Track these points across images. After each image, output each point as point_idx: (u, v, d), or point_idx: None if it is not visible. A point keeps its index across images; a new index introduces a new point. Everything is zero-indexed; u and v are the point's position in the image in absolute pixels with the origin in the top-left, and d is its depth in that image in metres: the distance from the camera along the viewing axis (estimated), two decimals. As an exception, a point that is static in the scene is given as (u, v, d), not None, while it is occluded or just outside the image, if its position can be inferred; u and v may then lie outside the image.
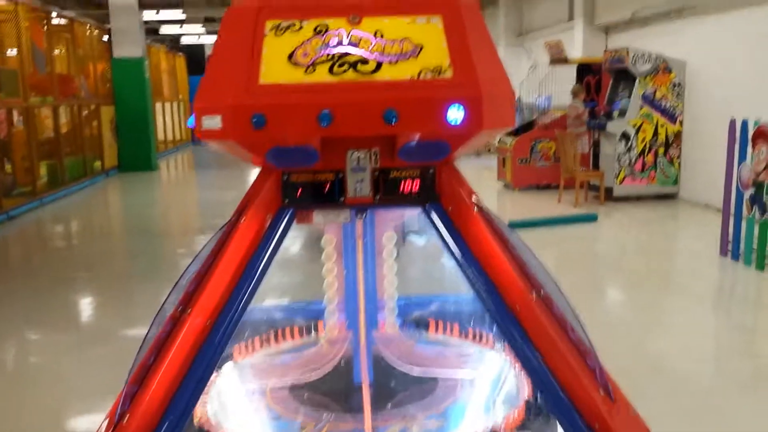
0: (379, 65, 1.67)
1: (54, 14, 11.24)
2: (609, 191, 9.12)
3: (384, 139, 1.69)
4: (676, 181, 9.22)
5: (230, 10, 1.75)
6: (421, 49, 1.61)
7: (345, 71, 1.60)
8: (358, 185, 1.80)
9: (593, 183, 9.28)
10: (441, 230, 1.74)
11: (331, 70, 1.61)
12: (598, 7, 12.26)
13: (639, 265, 6.47)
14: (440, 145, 1.68)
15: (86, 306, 5.43)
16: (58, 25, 11.82)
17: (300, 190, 1.77)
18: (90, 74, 13.09)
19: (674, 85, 9.02)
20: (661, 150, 9.09)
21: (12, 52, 9.71)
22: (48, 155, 10.62)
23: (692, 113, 9.06)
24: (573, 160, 8.71)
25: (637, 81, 8.99)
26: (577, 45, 12.54)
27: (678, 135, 9.15)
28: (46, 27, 10.85)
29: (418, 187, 1.79)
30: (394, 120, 1.53)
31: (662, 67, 8.98)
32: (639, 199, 9.23)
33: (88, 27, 12.96)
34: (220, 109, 1.55)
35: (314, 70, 1.60)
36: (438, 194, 1.78)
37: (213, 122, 1.59)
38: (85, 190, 11.45)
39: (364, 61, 1.67)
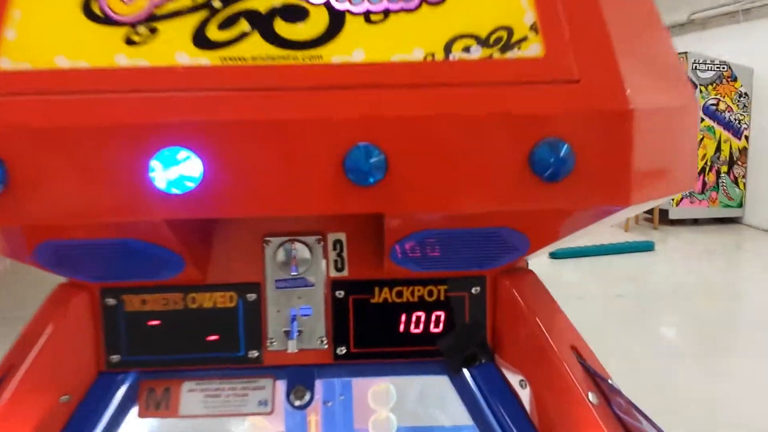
0: (336, 23, 0.72)
1: None
2: (664, 213, 8.07)
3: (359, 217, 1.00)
4: (740, 204, 8.12)
5: None
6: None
7: (243, 37, 0.78)
8: (295, 323, 1.06)
9: (645, 204, 8.23)
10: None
11: (200, 35, 0.77)
12: (649, 9, 11.19)
13: (705, 309, 5.41)
14: (505, 235, 0.97)
15: None
16: None
17: (148, 334, 1.06)
18: None
19: (740, 96, 8.00)
20: (724, 168, 8.03)
21: None
22: None
23: (760, 127, 7.99)
24: (623, 178, 7.70)
25: (697, 90, 7.93)
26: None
27: (743, 152, 8.09)
28: None
29: (443, 327, 1.07)
30: (376, 177, 0.80)
31: (726, 75, 7.95)
32: (696, 222, 8.17)
33: None
34: None
35: (153, 36, 0.76)
36: (492, 346, 1.08)
37: None
38: None
39: (298, 12, 0.72)
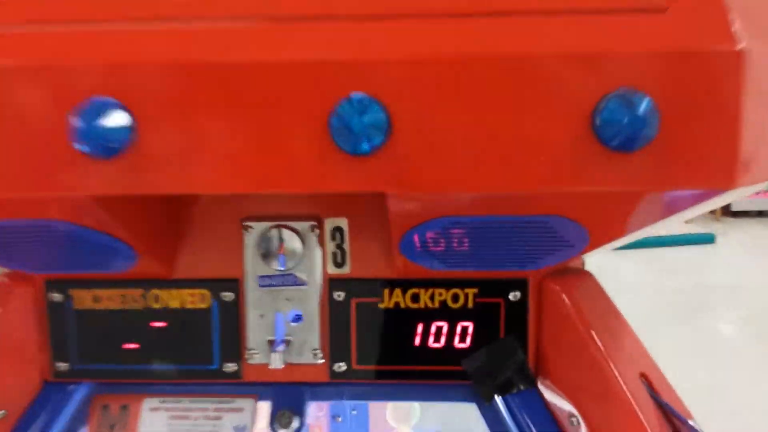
0: None
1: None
2: (726, 204, 7.60)
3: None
4: (812, 196, 7.59)
5: None
6: None
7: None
8: (281, 331, 0.84)
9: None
10: None
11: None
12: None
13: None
14: (555, 226, 0.72)
15: None
16: None
17: (102, 338, 0.86)
18: None
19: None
20: (795, 157, 7.48)
21: None
22: None
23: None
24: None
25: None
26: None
27: (817, 139, 7.52)
28: None
29: (470, 342, 0.84)
30: (373, 141, 0.58)
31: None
32: (761, 214, 7.68)
33: None
34: None
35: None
36: (535, 369, 0.84)
37: None
38: None
39: None
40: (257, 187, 0.59)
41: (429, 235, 0.74)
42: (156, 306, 0.86)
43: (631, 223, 0.71)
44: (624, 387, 0.76)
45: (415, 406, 1.17)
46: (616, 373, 0.77)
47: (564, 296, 0.81)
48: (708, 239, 6.43)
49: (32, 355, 0.87)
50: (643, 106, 0.53)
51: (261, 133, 0.57)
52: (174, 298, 0.85)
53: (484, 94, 0.56)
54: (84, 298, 0.86)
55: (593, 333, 0.79)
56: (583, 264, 0.89)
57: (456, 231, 0.74)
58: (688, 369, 3.50)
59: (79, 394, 0.88)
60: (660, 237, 6.16)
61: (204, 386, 0.88)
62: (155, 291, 0.85)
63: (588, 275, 0.86)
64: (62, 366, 0.87)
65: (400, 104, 0.57)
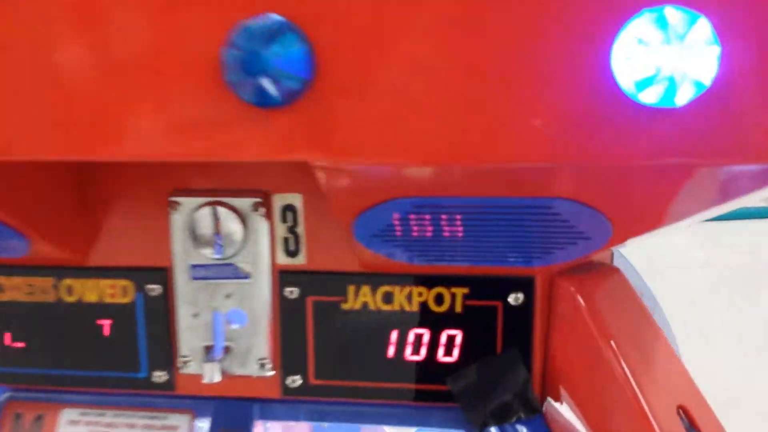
0: None
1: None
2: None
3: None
4: None
5: None
6: None
7: None
8: (220, 335, 0.67)
9: None
10: None
11: None
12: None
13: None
14: (566, 214, 0.53)
15: None
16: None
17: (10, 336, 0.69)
18: None
19: None
20: None
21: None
22: None
23: None
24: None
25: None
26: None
27: None
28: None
29: (458, 355, 0.66)
30: (288, 87, 0.40)
31: None
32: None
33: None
34: None
35: None
36: (541, 392, 0.65)
37: None
38: None
39: None
40: (121, 153, 0.41)
41: (394, 217, 0.56)
42: (70, 299, 0.69)
43: (670, 211, 0.51)
44: (654, 424, 0.57)
45: None
46: (645, 406, 0.58)
47: (580, 300, 0.62)
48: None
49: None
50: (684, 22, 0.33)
51: (113, 74, 0.39)
52: (90, 291, 0.69)
53: (456, 16, 0.37)
54: None
55: (617, 350, 0.59)
56: (611, 257, 0.69)
57: (428, 215, 0.55)
58: (743, 355, 3.26)
59: None
60: (739, 210, 5.78)
61: (131, 397, 0.71)
62: (68, 281, 0.69)
63: (615, 273, 0.66)
64: None
65: (326, 31, 0.38)
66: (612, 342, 0.59)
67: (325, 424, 0.98)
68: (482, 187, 0.51)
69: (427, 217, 0.55)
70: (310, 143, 0.42)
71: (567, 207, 0.51)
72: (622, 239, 0.55)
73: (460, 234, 0.58)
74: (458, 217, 0.56)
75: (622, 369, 0.59)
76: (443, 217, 0.55)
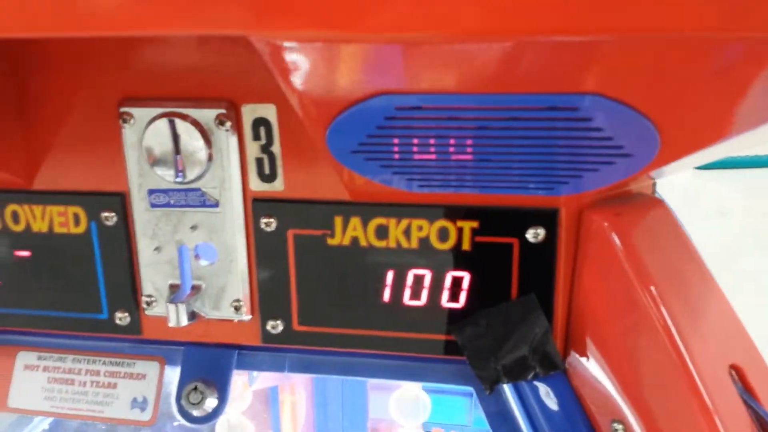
0: None
1: None
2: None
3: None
4: None
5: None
6: None
7: None
8: (186, 272, 0.57)
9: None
10: None
11: None
12: None
13: None
14: (604, 119, 0.40)
15: None
16: None
17: None
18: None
19: None
20: None
21: None
22: None
23: None
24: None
25: None
26: None
27: None
28: None
29: (465, 301, 0.54)
30: None
31: None
32: None
33: None
34: None
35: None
36: (563, 346, 0.53)
37: None
38: None
39: None
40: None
41: (370, 126, 0.44)
42: (16, 228, 0.60)
43: (732, 120, 0.38)
44: (700, 386, 0.46)
45: (425, 399, 0.90)
46: (690, 364, 0.47)
47: (615, 237, 0.50)
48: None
49: None
50: None
51: None
52: (38, 219, 0.59)
53: None
54: None
55: (658, 298, 0.48)
56: (652, 187, 0.57)
57: (423, 121, 0.43)
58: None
59: None
60: (759, 157, 5.54)
61: (95, 341, 0.63)
62: (12, 206, 0.59)
63: (658, 205, 0.54)
64: None
65: None
66: (652, 288, 0.48)
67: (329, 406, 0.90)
68: (495, 80, 0.39)
69: (423, 124, 0.43)
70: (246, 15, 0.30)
71: (601, 107, 0.39)
72: (671, 157, 0.43)
73: (468, 150, 0.46)
74: (462, 124, 0.44)
75: (664, 320, 0.48)
76: (443, 124, 0.43)
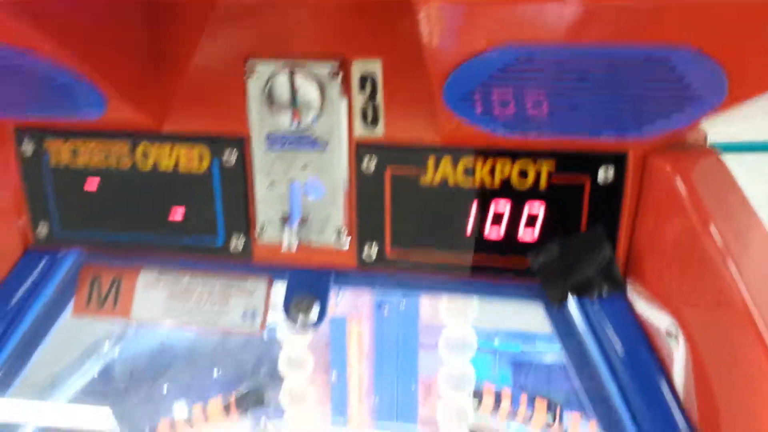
0: None
1: None
2: None
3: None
4: None
5: None
6: None
7: None
8: (296, 205, 0.67)
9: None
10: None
11: None
12: None
13: None
14: (682, 64, 0.48)
15: None
16: None
17: (86, 200, 0.72)
18: None
19: None
20: None
21: None
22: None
23: None
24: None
25: None
26: None
27: None
28: None
29: (539, 233, 0.64)
30: None
31: None
32: None
33: None
34: None
35: None
36: (624, 271, 0.63)
37: None
38: None
39: None
40: None
41: (485, 76, 0.52)
42: (145, 168, 0.69)
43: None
44: (748, 304, 0.54)
45: (474, 301, 0.99)
46: (740, 286, 0.55)
47: (678, 180, 0.58)
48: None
49: (9, 218, 0.74)
50: None
51: None
52: (166, 157, 0.68)
53: None
54: (61, 152, 0.70)
55: (719, 236, 0.56)
56: (705, 138, 0.65)
57: (525, 70, 0.51)
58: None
59: (66, 263, 0.75)
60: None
61: (208, 264, 0.72)
62: (143, 145, 0.68)
63: (713, 155, 0.63)
64: (42, 229, 0.73)
65: None
66: (712, 226, 0.56)
67: (386, 308, 1.00)
68: (588, 31, 0.47)
69: (532, 75, 0.51)
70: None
71: (686, 58, 0.47)
72: (736, 100, 0.51)
73: (563, 98, 0.54)
74: (565, 75, 0.51)
75: (718, 249, 0.56)
76: (549, 75, 0.51)
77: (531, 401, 1.22)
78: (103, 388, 1.54)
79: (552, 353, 1.57)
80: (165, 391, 1.55)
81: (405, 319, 0.97)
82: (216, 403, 1.30)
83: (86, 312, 0.73)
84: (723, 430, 0.55)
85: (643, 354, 0.62)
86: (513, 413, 1.24)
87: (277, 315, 0.72)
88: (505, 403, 1.25)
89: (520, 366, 1.52)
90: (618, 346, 0.63)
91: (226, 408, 1.36)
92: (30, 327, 0.74)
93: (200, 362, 1.60)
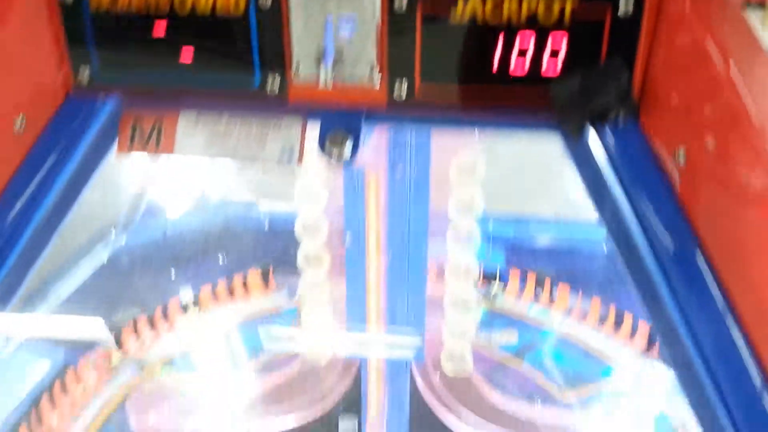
0: None
1: None
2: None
3: None
4: None
5: None
6: None
7: None
8: (330, 42, 0.71)
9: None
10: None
11: None
12: None
13: None
14: None
15: None
16: None
17: (125, 46, 0.76)
18: None
19: None
20: None
21: None
22: None
23: None
24: None
25: None
26: None
27: None
28: None
29: (561, 66, 0.69)
30: None
31: None
32: None
33: None
34: None
35: None
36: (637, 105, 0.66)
37: None
38: None
39: None
40: None
41: None
42: (183, 12, 0.72)
43: None
44: (755, 114, 0.58)
45: (481, 161, 1.05)
46: (751, 112, 0.59)
47: (695, 16, 0.63)
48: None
49: (50, 62, 0.77)
50: None
51: None
52: (202, 3, 0.71)
53: None
54: None
55: (730, 66, 0.61)
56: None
57: None
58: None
59: (108, 108, 0.78)
60: None
61: (245, 107, 0.77)
62: None
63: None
64: (84, 73, 0.76)
65: None
66: (730, 63, 0.60)
67: (399, 167, 1.05)
68: None
69: None
70: None
71: None
72: None
73: None
74: None
75: (733, 85, 0.59)
76: None
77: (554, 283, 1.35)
78: (112, 273, 1.59)
79: (545, 236, 1.65)
80: (173, 276, 1.62)
81: (417, 175, 1.03)
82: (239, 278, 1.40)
83: (131, 150, 0.78)
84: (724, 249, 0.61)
85: (652, 172, 0.68)
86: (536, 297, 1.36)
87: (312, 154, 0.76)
88: (530, 285, 1.37)
89: (512, 250, 1.60)
90: (630, 166, 0.69)
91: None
92: (76, 169, 0.78)
93: (207, 249, 1.66)
